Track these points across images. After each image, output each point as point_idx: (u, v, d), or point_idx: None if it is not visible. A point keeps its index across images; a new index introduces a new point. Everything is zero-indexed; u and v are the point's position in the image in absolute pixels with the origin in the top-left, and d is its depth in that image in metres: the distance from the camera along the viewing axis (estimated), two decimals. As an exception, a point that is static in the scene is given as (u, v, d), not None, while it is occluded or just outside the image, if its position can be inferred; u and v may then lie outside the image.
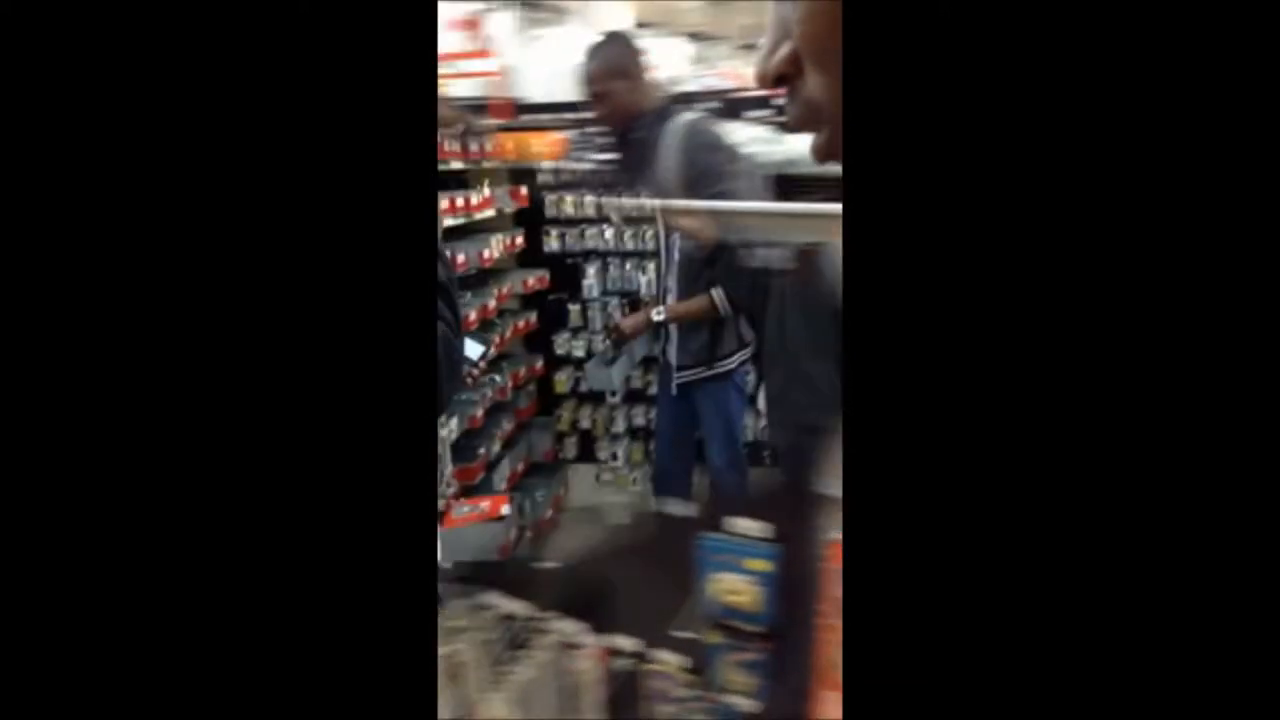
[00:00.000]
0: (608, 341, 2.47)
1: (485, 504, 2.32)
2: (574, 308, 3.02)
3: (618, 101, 1.95)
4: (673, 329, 2.37)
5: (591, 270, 2.96)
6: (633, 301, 2.95)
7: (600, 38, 2.05)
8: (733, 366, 2.37)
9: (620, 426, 3.06)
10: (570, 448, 3.16)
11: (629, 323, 2.38)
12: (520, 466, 2.88)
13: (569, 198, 2.89)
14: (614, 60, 1.93)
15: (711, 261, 2.25)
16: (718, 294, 2.22)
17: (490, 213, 2.57)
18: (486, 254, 2.53)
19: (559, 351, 3.04)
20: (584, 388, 2.99)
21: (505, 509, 2.29)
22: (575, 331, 3.03)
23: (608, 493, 3.15)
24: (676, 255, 2.33)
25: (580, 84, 2.01)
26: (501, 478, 2.65)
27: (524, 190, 2.82)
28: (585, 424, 3.10)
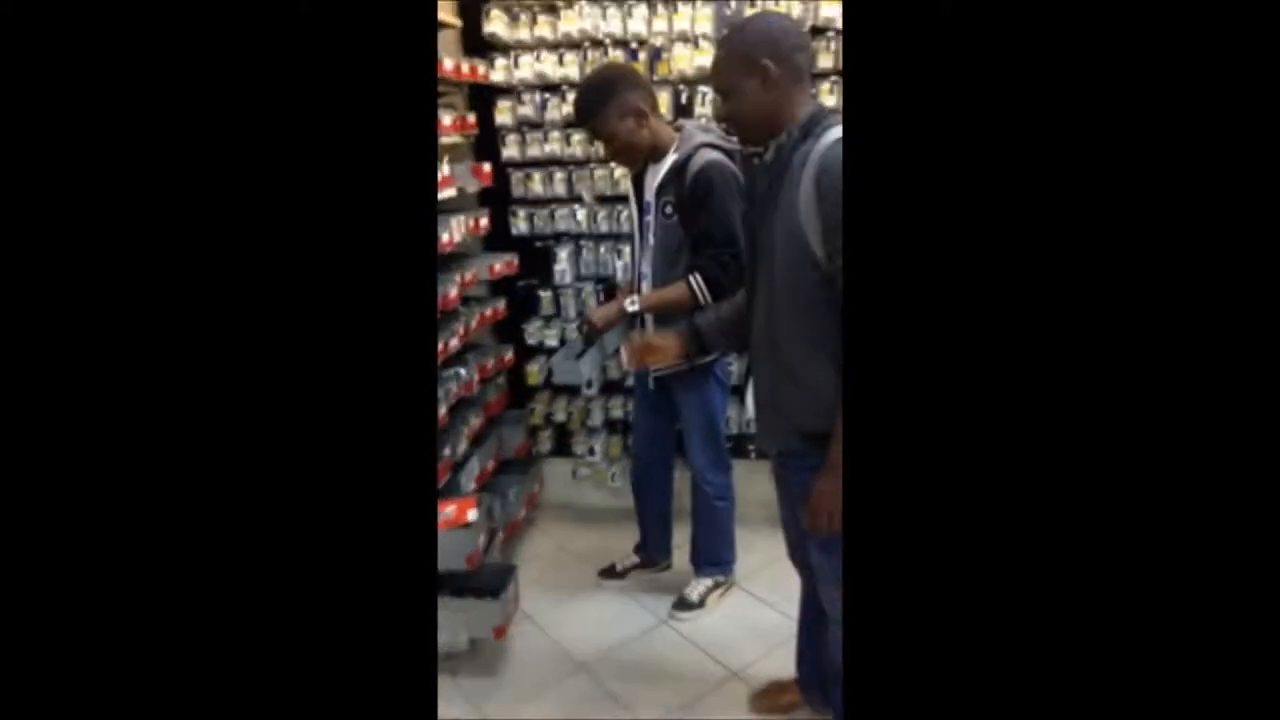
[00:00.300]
0: (578, 334, 2.29)
1: (451, 509, 2.15)
2: (545, 294, 2.83)
3: (745, 103, 1.43)
4: (649, 319, 2.19)
5: (563, 254, 2.77)
6: (608, 288, 2.76)
7: (739, 21, 1.51)
8: (713, 359, 2.20)
9: (597, 419, 2.89)
10: (545, 442, 2.99)
11: (601, 314, 2.20)
12: (490, 464, 2.70)
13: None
14: (747, 51, 1.40)
15: (692, 244, 2.07)
16: (696, 281, 2.04)
17: (451, 192, 2.37)
18: (447, 237, 2.33)
19: (530, 341, 2.85)
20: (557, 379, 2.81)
21: (472, 514, 2.13)
22: (547, 319, 2.85)
23: (585, 489, 2.99)
24: (653, 238, 2.15)
25: (711, 76, 1.50)
26: (470, 477, 2.48)
27: (487, 168, 2.61)
28: (560, 417, 2.93)
